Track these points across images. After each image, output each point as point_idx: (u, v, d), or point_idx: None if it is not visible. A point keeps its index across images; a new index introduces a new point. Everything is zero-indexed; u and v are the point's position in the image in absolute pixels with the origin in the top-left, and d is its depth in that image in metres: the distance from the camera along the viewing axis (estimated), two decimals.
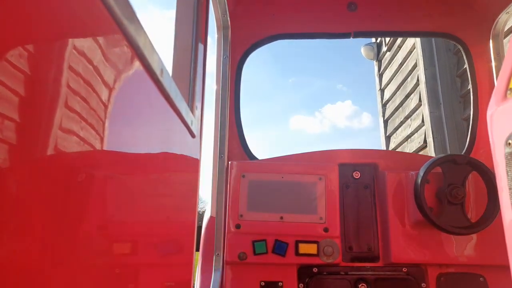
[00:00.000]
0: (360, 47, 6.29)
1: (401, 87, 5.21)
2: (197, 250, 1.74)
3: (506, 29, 2.29)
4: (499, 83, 1.32)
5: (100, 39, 0.52)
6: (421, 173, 1.77)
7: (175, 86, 0.85)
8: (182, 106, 0.91)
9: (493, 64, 2.10)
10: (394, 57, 5.48)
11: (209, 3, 1.30)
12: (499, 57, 2.08)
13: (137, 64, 0.65)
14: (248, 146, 2.11)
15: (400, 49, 5.25)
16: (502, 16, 2.06)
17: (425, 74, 4.40)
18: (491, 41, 2.12)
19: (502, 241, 1.26)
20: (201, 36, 1.14)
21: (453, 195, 1.74)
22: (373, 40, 6.21)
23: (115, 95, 0.57)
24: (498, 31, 2.10)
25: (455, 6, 2.19)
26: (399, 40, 5.23)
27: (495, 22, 2.09)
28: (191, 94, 1.06)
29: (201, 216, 1.83)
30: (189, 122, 0.98)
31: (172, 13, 1.14)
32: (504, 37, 2.28)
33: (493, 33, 2.11)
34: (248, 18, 2.21)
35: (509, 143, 1.19)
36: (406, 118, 5.03)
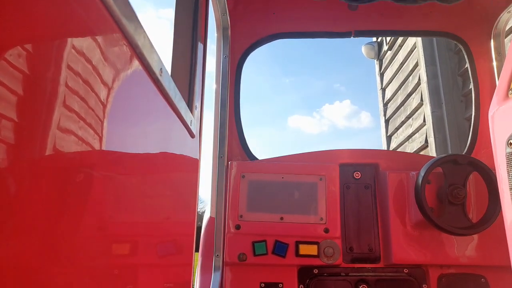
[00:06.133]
0: (357, 46, 6.31)
1: (403, 86, 5.21)
2: (197, 250, 1.74)
3: (507, 28, 2.29)
4: (500, 83, 1.32)
5: (99, 38, 0.52)
6: (422, 173, 1.77)
7: (174, 85, 0.84)
8: (181, 106, 0.90)
9: (494, 63, 2.10)
10: (395, 56, 5.48)
11: (209, 3, 1.30)
12: (500, 57, 2.07)
13: (136, 63, 0.65)
14: (248, 146, 2.11)
15: (401, 48, 5.25)
16: (503, 16, 2.05)
17: (426, 73, 4.40)
18: (492, 40, 2.11)
19: (503, 242, 1.25)
20: (200, 35, 1.13)
21: (454, 195, 1.73)
22: (374, 39, 6.21)
23: (114, 95, 0.56)
24: (499, 31, 2.10)
25: (456, 6, 2.18)
26: (400, 39, 5.23)
27: (496, 22, 2.09)
28: (191, 93, 1.06)
29: (200, 216, 1.82)
30: (188, 122, 0.98)
31: (171, 13, 1.14)
32: (506, 37, 2.28)
33: (494, 32, 2.10)
34: (248, 17, 2.20)
35: (511, 143, 1.18)
36: (408, 117, 5.03)
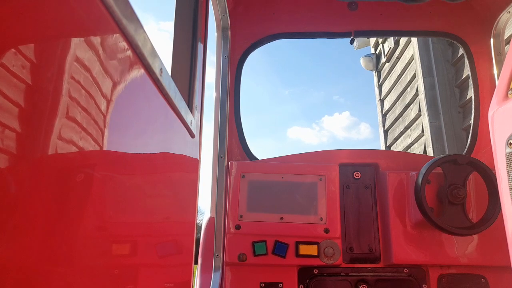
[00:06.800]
0: (356, 58, 6.35)
1: (401, 97, 5.25)
2: (196, 263, 1.72)
3: (507, 36, 2.29)
4: (500, 83, 1.32)
5: (100, 39, 0.52)
6: (422, 173, 1.77)
7: (174, 85, 0.85)
8: (182, 106, 0.91)
9: (494, 64, 2.10)
10: (393, 68, 5.53)
11: (209, 3, 1.30)
12: (500, 57, 2.08)
13: (136, 63, 0.65)
14: (248, 146, 2.11)
15: (399, 60, 5.29)
16: (503, 16, 2.05)
17: (424, 84, 4.44)
18: (492, 40, 2.11)
19: (503, 242, 1.25)
20: (200, 35, 1.13)
21: (454, 195, 1.73)
22: (372, 51, 6.24)
23: (114, 95, 0.56)
24: (499, 31, 2.10)
25: (456, 6, 2.19)
26: (398, 50, 5.27)
27: (496, 22, 2.09)
28: (191, 94, 1.06)
29: (199, 228, 1.79)
30: (188, 122, 0.98)
31: (171, 13, 1.14)
32: (506, 44, 2.28)
33: (494, 32, 2.10)
34: (248, 18, 2.21)
35: (510, 143, 1.18)
36: (406, 128, 5.07)
